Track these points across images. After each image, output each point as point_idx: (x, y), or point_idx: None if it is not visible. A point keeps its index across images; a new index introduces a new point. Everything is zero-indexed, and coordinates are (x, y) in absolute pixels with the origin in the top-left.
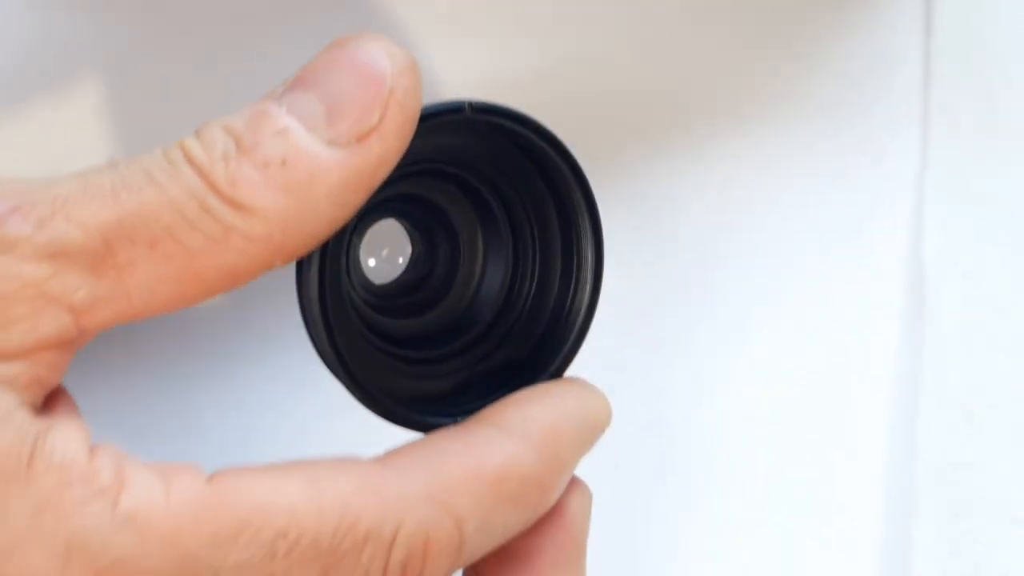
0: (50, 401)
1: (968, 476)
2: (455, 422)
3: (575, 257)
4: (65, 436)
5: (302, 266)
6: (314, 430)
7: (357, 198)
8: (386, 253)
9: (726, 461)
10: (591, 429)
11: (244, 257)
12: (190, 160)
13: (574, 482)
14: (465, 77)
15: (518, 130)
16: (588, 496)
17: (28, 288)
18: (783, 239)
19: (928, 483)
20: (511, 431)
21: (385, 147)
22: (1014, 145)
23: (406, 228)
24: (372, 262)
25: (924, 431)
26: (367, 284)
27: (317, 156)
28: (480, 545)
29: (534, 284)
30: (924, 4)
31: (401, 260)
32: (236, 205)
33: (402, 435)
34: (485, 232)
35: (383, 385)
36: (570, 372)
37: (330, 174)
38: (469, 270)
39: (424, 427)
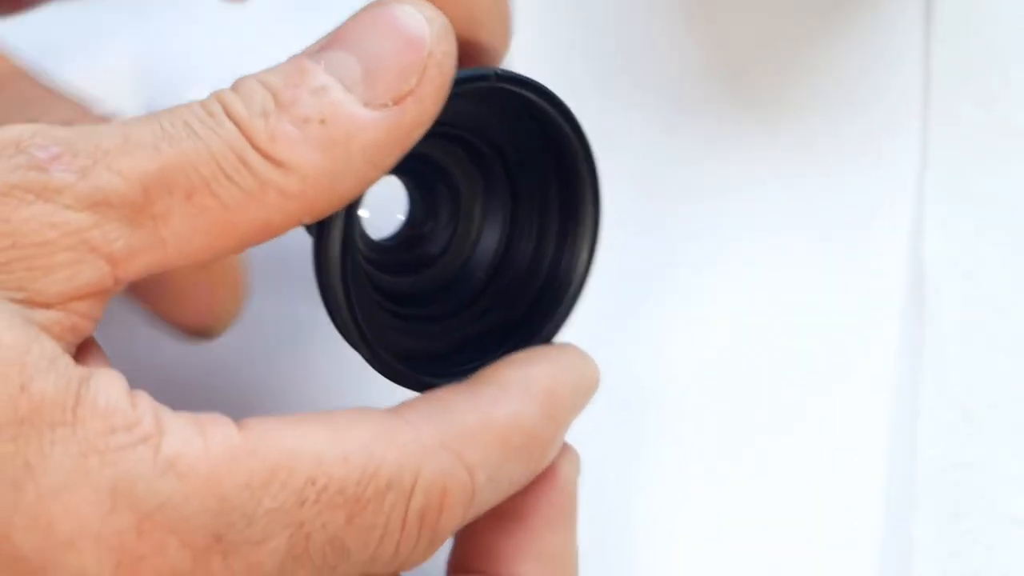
0: (82, 351)
1: (968, 476)
2: (453, 382)
3: (574, 225)
4: (106, 383)
5: (324, 226)
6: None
7: (390, 160)
8: (367, 215)
9: (725, 461)
10: (584, 391)
11: (277, 213)
12: (229, 114)
13: (564, 446)
14: None
15: (537, 101)
16: (577, 459)
17: (69, 236)
18: (782, 238)
19: (928, 483)
20: (513, 389)
21: (421, 110)
22: (1014, 145)
23: (407, 185)
24: (366, 214)
25: (924, 431)
26: (367, 239)
27: (354, 116)
28: (488, 498)
29: (531, 247)
30: (924, 4)
31: (400, 216)
32: (275, 161)
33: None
34: (486, 194)
35: (388, 345)
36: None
37: (366, 134)
38: (467, 229)
39: (423, 387)
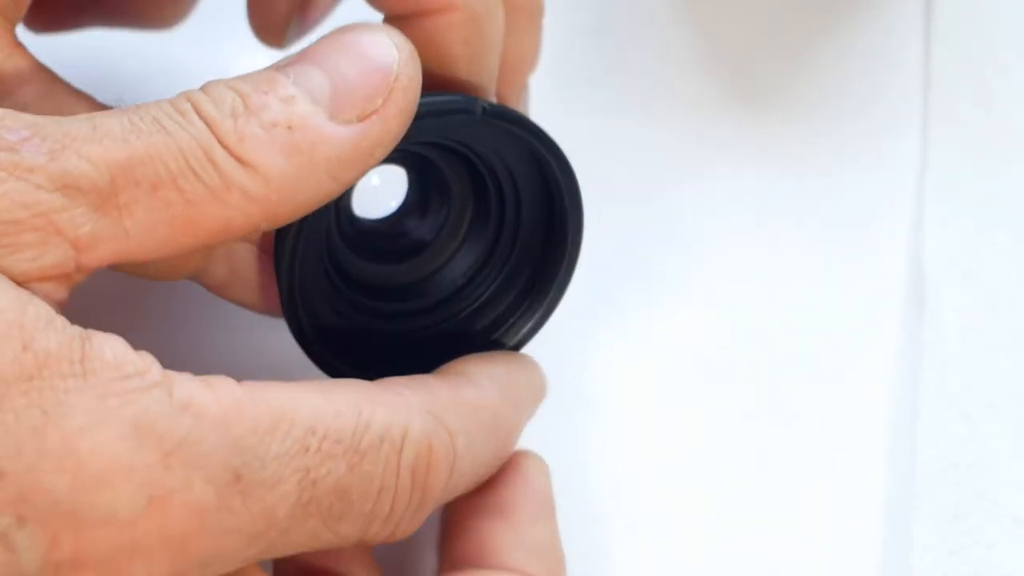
0: None
1: (968, 476)
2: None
3: (535, 294)
4: (109, 340)
5: (281, 234)
6: None
7: (351, 175)
8: (377, 182)
9: (725, 461)
10: (536, 392)
11: (238, 214)
12: (199, 112)
13: (530, 453)
14: None
15: (524, 136)
16: (544, 463)
17: (39, 217)
18: (783, 238)
19: (928, 483)
20: (478, 377)
21: (385, 129)
22: (1014, 145)
23: (409, 178)
24: (366, 191)
25: (924, 431)
26: (352, 217)
27: (320, 126)
28: (466, 469)
29: (490, 289)
30: (924, 4)
31: (394, 203)
32: (241, 160)
33: None
34: (475, 214)
35: (320, 324)
36: None
37: (330, 146)
38: (448, 238)
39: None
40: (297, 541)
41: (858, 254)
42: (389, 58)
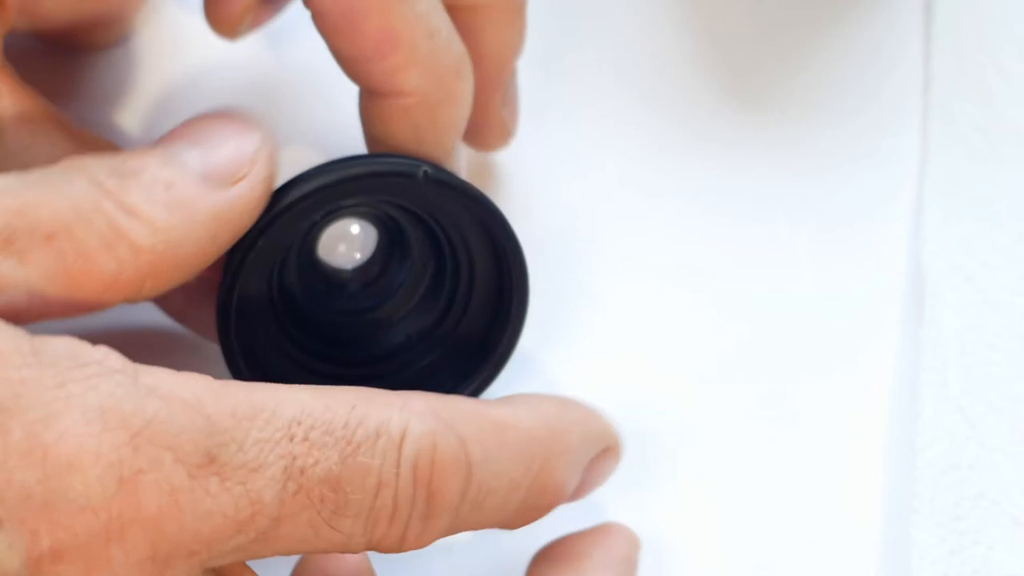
0: None
1: (968, 476)
2: None
3: (492, 339)
4: (59, 337)
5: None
6: None
7: (227, 235)
8: (357, 231)
9: (725, 461)
10: (595, 440)
11: (127, 267)
12: (85, 170)
13: (624, 528)
14: None
15: (466, 203)
16: (632, 534)
17: None
18: (782, 238)
19: (928, 483)
20: (517, 403)
21: (252, 194)
22: (1014, 145)
23: (378, 234)
24: (340, 239)
25: (924, 431)
26: (317, 261)
27: (196, 186)
28: (490, 485)
29: (444, 345)
30: (924, 4)
31: (359, 256)
32: (128, 209)
33: None
34: (432, 278)
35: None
36: None
37: (206, 204)
38: (404, 298)
39: None
40: (294, 536)
41: (857, 254)
42: (252, 135)
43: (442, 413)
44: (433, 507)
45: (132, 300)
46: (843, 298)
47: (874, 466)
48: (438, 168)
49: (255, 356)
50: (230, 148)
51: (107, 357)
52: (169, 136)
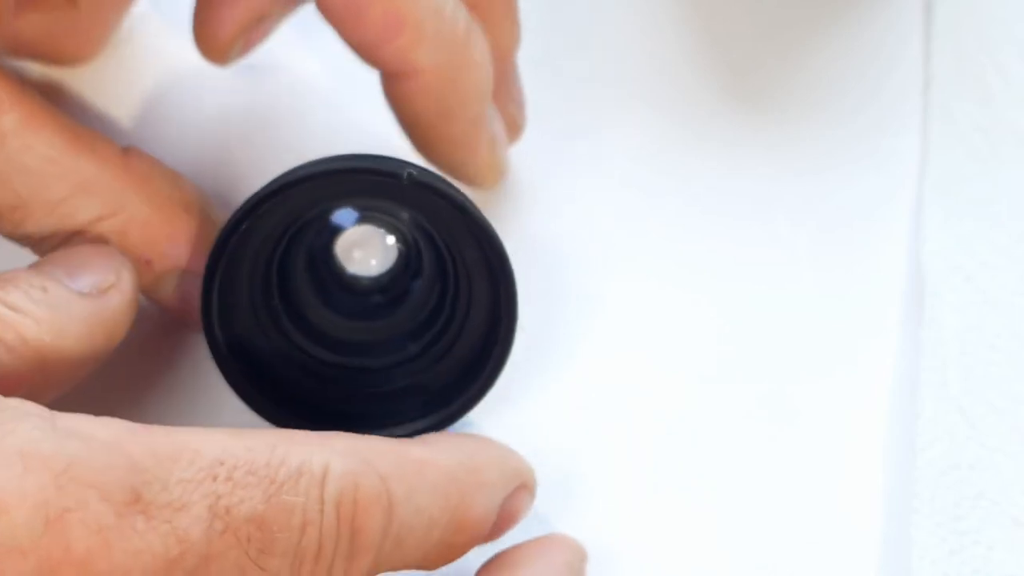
0: None
1: (968, 476)
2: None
3: (485, 351)
4: None
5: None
6: None
7: (100, 337)
8: (359, 255)
9: (725, 461)
10: (511, 478)
11: (16, 359)
12: None
13: (568, 540)
14: None
15: (450, 209)
16: (573, 543)
17: None
18: (782, 238)
19: (928, 483)
20: (434, 442)
21: (121, 300)
22: (1014, 145)
23: (397, 248)
24: (357, 254)
25: (924, 431)
26: (334, 264)
27: (67, 292)
28: (411, 523)
29: (445, 348)
30: (924, 4)
31: (374, 262)
32: (10, 306)
33: None
34: (438, 297)
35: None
36: None
37: (79, 306)
38: (411, 314)
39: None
40: (224, 575)
41: (857, 253)
42: (112, 258)
43: (362, 452)
44: (357, 545)
45: (30, 397)
46: (843, 298)
47: (874, 466)
48: (424, 171)
49: (240, 345)
50: (94, 265)
51: (22, 404)
52: (33, 265)
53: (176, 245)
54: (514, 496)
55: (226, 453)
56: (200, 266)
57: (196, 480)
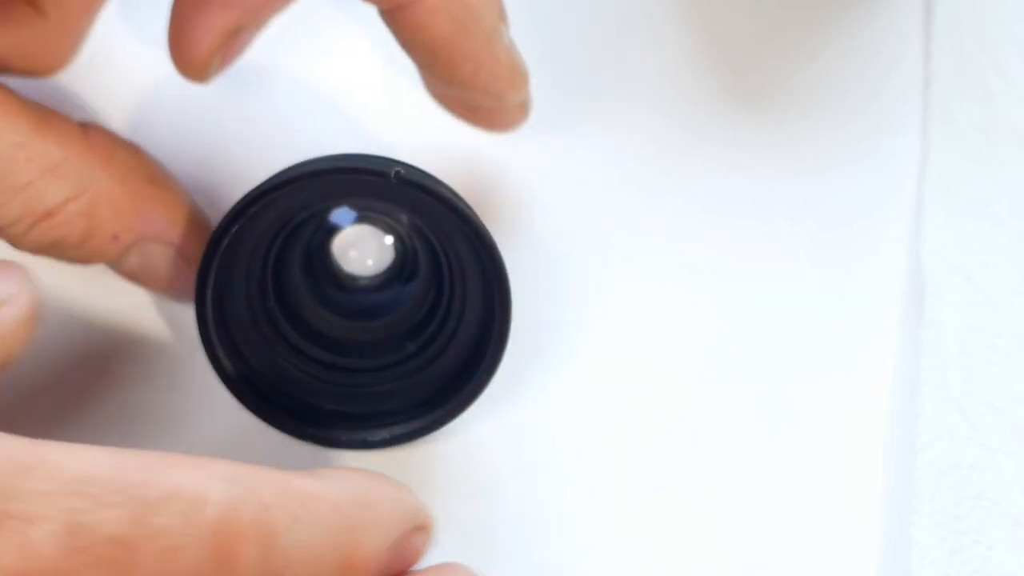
0: None
1: (968, 476)
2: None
3: (479, 353)
4: None
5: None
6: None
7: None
8: (356, 254)
9: (725, 461)
10: (407, 514)
11: None
12: None
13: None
14: None
15: (447, 214)
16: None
17: None
18: (782, 238)
19: (928, 483)
20: (327, 475)
21: (18, 314)
22: (1014, 145)
23: (395, 248)
24: (353, 253)
25: (924, 431)
26: (331, 264)
27: None
28: (292, 555)
29: (442, 347)
30: (924, 4)
31: (370, 262)
32: None
33: None
34: (434, 298)
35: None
36: None
37: None
38: (408, 314)
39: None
40: None
41: (857, 253)
42: (11, 272)
43: (245, 478)
44: (231, 574)
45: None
46: (843, 298)
47: (874, 466)
48: (413, 169)
49: (236, 345)
50: None
51: None
52: None
53: (141, 218)
54: (409, 537)
55: (92, 469)
56: (171, 237)
57: (53, 494)
